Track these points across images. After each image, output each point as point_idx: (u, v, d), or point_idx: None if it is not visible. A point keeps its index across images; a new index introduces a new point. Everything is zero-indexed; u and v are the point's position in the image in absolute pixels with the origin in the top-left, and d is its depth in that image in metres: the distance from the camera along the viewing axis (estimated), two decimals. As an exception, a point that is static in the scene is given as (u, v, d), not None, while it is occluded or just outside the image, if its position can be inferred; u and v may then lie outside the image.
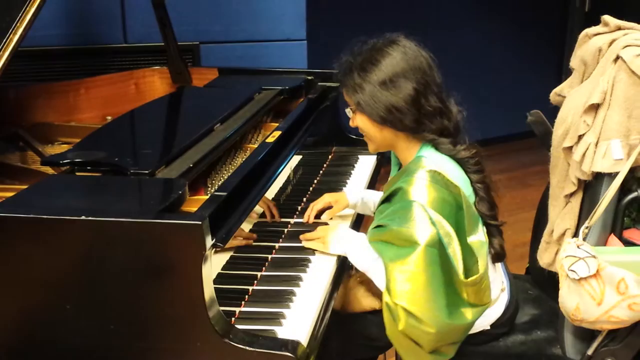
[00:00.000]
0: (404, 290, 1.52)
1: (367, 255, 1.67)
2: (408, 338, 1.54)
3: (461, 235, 1.59)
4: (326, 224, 1.93)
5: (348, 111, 1.73)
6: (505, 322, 1.78)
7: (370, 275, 1.67)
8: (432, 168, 1.61)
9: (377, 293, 1.79)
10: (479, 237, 1.64)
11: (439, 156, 1.67)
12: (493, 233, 1.71)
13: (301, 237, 1.81)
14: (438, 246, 1.55)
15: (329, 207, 1.97)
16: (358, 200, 2.00)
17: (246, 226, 1.88)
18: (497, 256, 1.72)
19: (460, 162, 1.68)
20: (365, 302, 1.80)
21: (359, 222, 2.03)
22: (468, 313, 1.59)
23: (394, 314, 1.54)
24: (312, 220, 1.95)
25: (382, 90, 1.62)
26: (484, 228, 1.68)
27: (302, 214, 2.01)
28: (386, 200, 1.68)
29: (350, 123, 1.75)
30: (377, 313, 1.79)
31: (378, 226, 1.64)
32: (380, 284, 1.63)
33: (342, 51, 1.73)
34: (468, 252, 1.60)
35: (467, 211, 1.62)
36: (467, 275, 1.58)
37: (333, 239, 1.75)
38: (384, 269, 1.58)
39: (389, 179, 1.82)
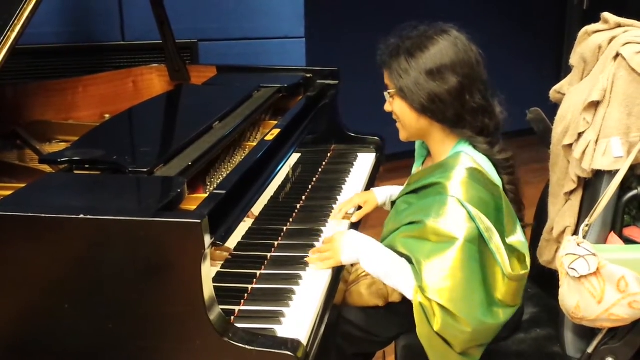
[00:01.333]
0: (441, 287, 1.49)
1: (384, 258, 1.61)
2: (441, 338, 1.52)
3: (501, 235, 1.56)
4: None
5: (387, 94, 1.68)
6: (511, 325, 1.76)
7: (390, 280, 1.60)
8: (471, 165, 1.58)
9: (379, 291, 1.78)
10: (518, 238, 1.61)
11: (477, 154, 1.63)
12: None
13: (308, 260, 1.68)
14: (477, 242, 1.52)
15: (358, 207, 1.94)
16: (387, 198, 1.96)
17: (245, 225, 1.88)
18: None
19: (495, 162, 1.65)
20: (367, 298, 1.79)
21: (357, 228, 2.01)
22: (500, 313, 1.56)
23: (429, 313, 1.50)
24: (338, 218, 1.91)
25: (428, 79, 1.58)
26: (522, 230, 1.65)
27: (301, 212, 2.00)
28: (413, 192, 1.65)
29: (386, 107, 1.70)
30: (378, 309, 1.79)
31: (411, 223, 1.59)
32: (403, 286, 1.56)
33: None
34: (509, 249, 1.58)
35: (507, 211, 1.60)
36: (512, 271, 1.55)
37: (342, 248, 1.65)
38: (417, 266, 1.53)
39: (415, 170, 1.78)
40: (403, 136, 1.71)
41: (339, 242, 1.66)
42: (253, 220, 1.93)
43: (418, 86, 1.59)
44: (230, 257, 1.69)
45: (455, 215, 1.53)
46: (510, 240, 1.59)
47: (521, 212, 1.70)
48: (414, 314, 1.54)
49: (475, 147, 1.64)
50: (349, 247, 1.64)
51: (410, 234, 1.59)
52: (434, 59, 1.59)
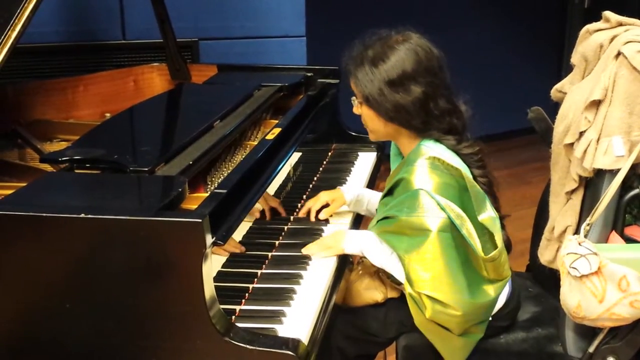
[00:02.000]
0: (424, 278, 1.55)
1: (382, 250, 1.67)
2: (437, 324, 1.58)
3: (471, 215, 1.61)
4: (327, 220, 1.93)
5: (354, 100, 1.72)
6: (506, 316, 1.78)
7: (389, 270, 1.67)
8: (430, 154, 1.62)
9: (377, 287, 1.79)
10: (488, 214, 1.65)
11: (438, 146, 1.67)
12: None
13: (308, 248, 1.74)
14: (450, 229, 1.57)
15: (326, 206, 1.95)
16: (354, 197, 1.99)
17: (246, 224, 1.88)
18: (506, 247, 1.72)
19: (463, 157, 1.68)
20: (366, 295, 1.80)
21: (359, 222, 2.02)
22: (490, 289, 1.62)
23: (419, 303, 1.56)
24: (311, 218, 1.94)
25: (391, 90, 1.62)
26: (492, 205, 1.68)
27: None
28: (388, 193, 1.68)
29: (354, 110, 1.74)
30: (378, 307, 1.79)
31: (385, 218, 1.63)
32: (400, 276, 1.63)
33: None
34: (481, 230, 1.62)
35: (472, 190, 1.63)
36: (485, 252, 1.60)
37: (346, 239, 1.72)
38: (401, 260, 1.59)
39: (391, 171, 1.81)
40: (372, 137, 1.78)
41: (342, 235, 1.74)
42: (255, 218, 1.93)
43: (383, 97, 1.63)
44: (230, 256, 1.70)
45: (427, 207, 1.57)
46: (481, 217, 1.63)
47: (497, 204, 1.73)
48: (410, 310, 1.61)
49: (441, 142, 1.68)
50: (352, 240, 1.72)
51: (386, 229, 1.64)
52: (395, 69, 1.62)
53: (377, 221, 1.68)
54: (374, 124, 1.70)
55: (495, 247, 1.63)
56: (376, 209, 1.81)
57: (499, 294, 1.65)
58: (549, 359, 1.75)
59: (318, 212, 1.95)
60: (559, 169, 1.73)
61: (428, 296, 1.55)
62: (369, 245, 1.70)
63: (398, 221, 1.60)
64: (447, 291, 1.55)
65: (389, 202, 1.67)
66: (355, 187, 2.09)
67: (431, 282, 1.55)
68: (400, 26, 1.70)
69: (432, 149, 1.65)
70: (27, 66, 2.59)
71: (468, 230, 1.59)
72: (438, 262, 1.55)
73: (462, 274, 1.57)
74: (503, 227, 1.74)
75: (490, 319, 1.74)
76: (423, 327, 1.61)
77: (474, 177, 1.69)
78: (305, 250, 1.74)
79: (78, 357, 1.35)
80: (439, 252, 1.55)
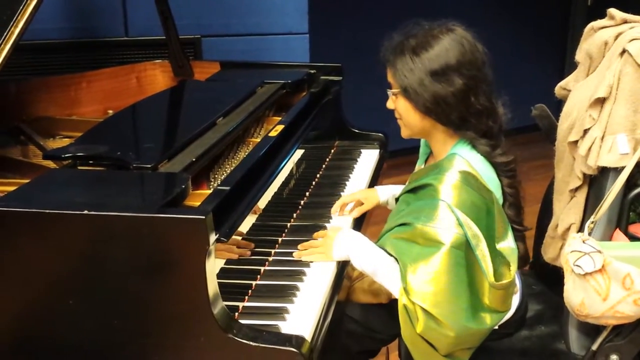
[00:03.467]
0: (425, 291, 1.47)
1: (373, 256, 1.60)
2: (424, 341, 1.50)
3: (490, 240, 1.55)
4: (329, 218, 1.93)
5: (389, 93, 1.65)
6: (514, 323, 1.76)
7: (378, 278, 1.60)
8: (465, 169, 1.56)
9: (381, 288, 1.78)
10: (508, 244, 1.59)
11: (473, 156, 1.60)
12: (517, 238, 1.66)
13: (300, 246, 1.72)
14: (464, 248, 1.50)
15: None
16: (389, 197, 1.96)
17: (249, 220, 1.87)
18: (522, 260, 1.68)
19: (495, 165, 1.62)
20: (370, 294, 1.79)
21: (361, 219, 2.01)
22: (487, 318, 1.54)
23: (412, 315, 1.49)
24: (340, 213, 1.92)
25: (433, 80, 1.55)
26: (514, 237, 1.63)
27: (304, 208, 2.00)
28: (411, 190, 1.64)
29: (388, 104, 1.67)
30: (381, 306, 1.79)
31: (402, 224, 1.58)
32: (390, 286, 1.56)
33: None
34: (498, 257, 1.56)
35: (499, 217, 1.57)
36: (497, 279, 1.54)
37: (335, 246, 1.66)
38: (403, 268, 1.52)
39: (417, 168, 1.77)
40: (405, 134, 1.69)
41: (331, 239, 1.67)
42: (258, 215, 1.93)
43: (423, 87, 1.55)
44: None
45: (444, 220, 1.51)
46: (500, 246, 1.57)
47: (520, 217, 1.67)
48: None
49: (475, 148, 1.62)
50: (340, 245, 1.65)
51: (400, 236, 1.57)
52: (439, 59, 1.55)
53: (395, 226, 1.61)
54: (410, 118, 1.62)
55: (510, 277, 1.57)
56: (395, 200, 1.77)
57: (495, 325, 1.58)
58: (552, 356, 1.75)
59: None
60: (563, 167, 1.73)
61: (424, 310, 1.47)
62: (357, 251, 1.63)
63: (413, 229, 1.54)
64: (446, 309, 1.47)
65: (409, 201, 1.62)
66: (390, 187, 2.01)
67: (431, 297, 1.47)
68: (438, 19, 1.63)
69: (467, 158, 1.58)
70: (29, 63, 2.59)
71: (482, 252, 1.52)
72: (443, 278, 1.48)
73: (464, 296, 1.50)
74: (523, 239, 1.68)
75: (497, 327, 1.69)
76: (409, 340, 1.53)
77: (502, 186, 1.63)
78: (296, 254, 1.69)
79: (81, 353, 1.35)
80: (447, 268, 1.48)
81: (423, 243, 1.52)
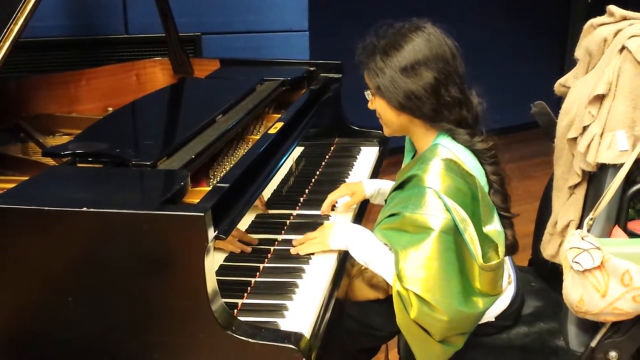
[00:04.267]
0: (417, 277, 1.51)
1: (369, 245, 1.65)
2: (419, 326, 1.54)
3: (477, 224, 1.59)
4: (329, 214, 1.93)
5: (367, 94, 1.72)
6: (510, 315, 1.77)
7: (373, 267, 1.64)
8: (447, 156, 1.60)
9: (379, 283, 1.79)
10: (495, 227, 1.63)
11: (455, 145, 1.65)
12: (505, 225, 1.69)
13: (294, 242, 1.75)
14: (453, 232, 1.54)
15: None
16: (375, 190, 1.98)
17: (248, 217, 1.88)
18: (511, 248, 1.71)
19: (477, 153, 1.67)
20: (368, 290, 1.79)
21: (361, 215, 2.02)
22: (480, 302, 1.58)
23: (406, 301, 1.52)
24: (329, 211, 1.94)
25: (403, 77, 1.61)
26: (499, 219, 1.66)
27: (304, 205, 2.00)
28: (399, 187, 1.67)
29: (369, 105, 1.73)
30: (380, 302, 1.79)
31: (391, 215, 1.61)
32: (385, 274, 1.61)
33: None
34: (485, 240, 1.60)
35: (483, 201, 1.61)
36: (486, 262, 1.58)
37: (332, 235, 1.70)
38: (395, 256, 1.56)
39: (403, 166, 1.80)
40: (387, 132, 1.75)
41: (329, 229, 1.71)
42: (263, 208, 1.93)
43: (394, 84, 1.61)
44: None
45: (432, 207, 1.55)
46: (486, 229, 1.61)
47: (507, 204, 1.71)
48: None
49: (455, 138, 1.66)
50: (338, 235, 1.69)
51: (390, 226, 1.61)
52: (407, 56, 1.61)
53: (384, 218, 1.65)
54: (387, 116, 1.68)
55: (498, 257, 1.60)
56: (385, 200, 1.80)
57: (488, 309, 1.61)
58: (551, 353, 1.75)
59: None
60: (562, 164, 1.73)
61: (417, 296, 1.50)
62: (354, 241, 1.67)
63: (402, 217, 1.58)
64: (438, 294, 1.51)
65: (396, 197, 1.65)
66: (376, 180, 2.07)
67: (423, 282, 1.51)
68: (408, 19, 1.68)
69: (450, 149, 1.62)
70: (29, 60, 2.59)
71: (470, 235, 1.56)
72: (434, 263, 1.52)
73: (456, 280, 1.54)
74: (511, 226, 1.72)
75: (494, 319, 1.74)
76: (404, 327, 1.56)
77: (487, 174, 1.67)
78: (293, 251, 1.72)
79: (80, 350, 1.35)
80: (437, 253, 1.52)
81: (413, 230, 1.56)
